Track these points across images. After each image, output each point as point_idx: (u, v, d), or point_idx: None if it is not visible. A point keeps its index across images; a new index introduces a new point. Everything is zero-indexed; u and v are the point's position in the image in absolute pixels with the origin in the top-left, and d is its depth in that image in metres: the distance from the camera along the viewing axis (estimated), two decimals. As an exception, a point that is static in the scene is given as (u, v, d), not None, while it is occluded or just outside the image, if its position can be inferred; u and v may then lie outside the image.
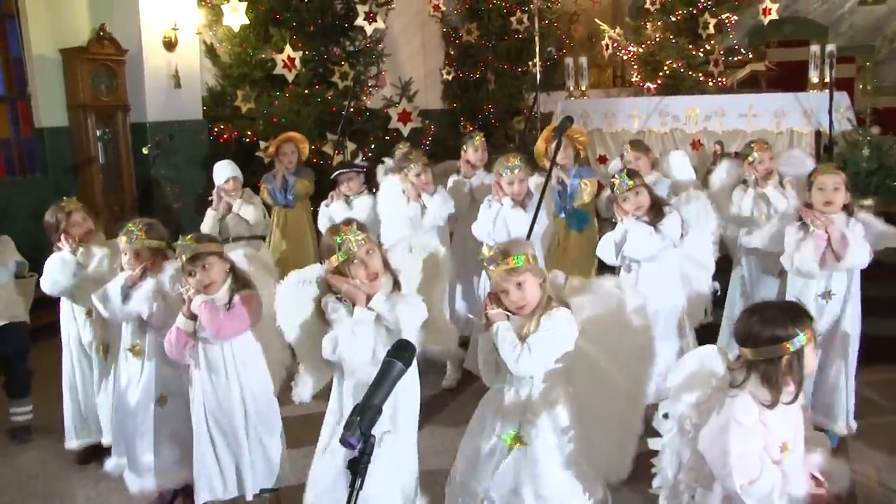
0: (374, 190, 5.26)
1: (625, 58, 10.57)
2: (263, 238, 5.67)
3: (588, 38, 11.43)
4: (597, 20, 10.89)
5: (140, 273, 3.40)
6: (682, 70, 9.68)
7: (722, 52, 9.71)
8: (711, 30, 9.74)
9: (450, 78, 10.77)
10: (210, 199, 5.49)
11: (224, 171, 5.44)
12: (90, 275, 3.91)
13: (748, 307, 2.38)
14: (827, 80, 7.29)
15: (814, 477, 2.28)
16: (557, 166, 4.97)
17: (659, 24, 10.03)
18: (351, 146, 7.86)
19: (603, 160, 7.74)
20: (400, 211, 4.65)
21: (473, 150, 5.21)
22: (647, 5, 9.98)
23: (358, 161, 6.90)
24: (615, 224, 4.10)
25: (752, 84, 9.68)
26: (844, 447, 3.93)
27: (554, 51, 10.45)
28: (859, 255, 3.63)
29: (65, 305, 4.13)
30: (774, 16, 9.56)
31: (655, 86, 9.82)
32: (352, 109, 7.53)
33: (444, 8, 10.47)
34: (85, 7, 7.09)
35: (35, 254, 4.42)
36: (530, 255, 2.65)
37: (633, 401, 2.75)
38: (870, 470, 3.74)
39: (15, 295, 4.35)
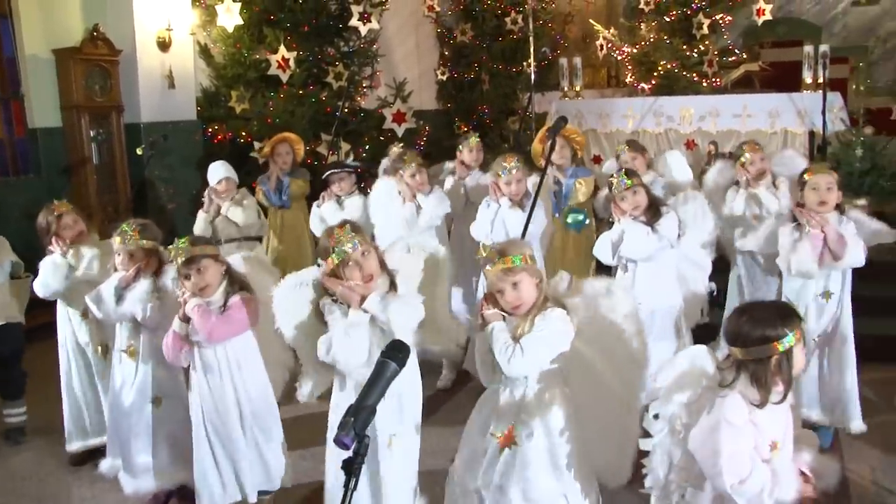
0: (367, 190, 5.25)
1: (619, 58, 10.57)
2: (259, 239, 5.66)
3: (582, 38, 11.43)
4: (591, 20, 10.88)
5: (134, 274, 3.40)
6: (676, 70, 9.69)
7: (716, 53, 9.70)
8: (705, 30, 9.73)
9: (444, 78, 10.78)
10: (202, 200, 5.49)
11: (218, 172, 5.44)
12: (80, 276, 3.89)
13: (737, 307, 2.39)
14: (820, 80, 7.30)
15: (803, 474, 2.29)
16: (553, 166, 4.98)
17: (653, 24, 10.03)
18: (345, 147, 7.86)
19: (597, 160, 7.73)
20: (395, 211, 4.66)
21: (469, 150, 5.21)
22: (642, 6, 9.97)
23: (349, 161, 6.90)
24: (612, 224, 4.09)
25: (746, 84, 9.68)
26: (838, 446, 3.94)
27: (548, 51, 10.46)
28: (857, 254, 3.64)
29: (61, 308, 4.11)
30: (768, 16, 9.57)
31: (650, 86, 9.83)
32: (346, 110, 7.52)
33: (438, 8, 10.50)
34: (78, 7, 7.07)
35: (29, 254, 4.41)
36: (528, 255, 2.64)
37: (627, 405, 2.74)
38: (864, 469, 3.75)
39: (10, 296, 4.33)
